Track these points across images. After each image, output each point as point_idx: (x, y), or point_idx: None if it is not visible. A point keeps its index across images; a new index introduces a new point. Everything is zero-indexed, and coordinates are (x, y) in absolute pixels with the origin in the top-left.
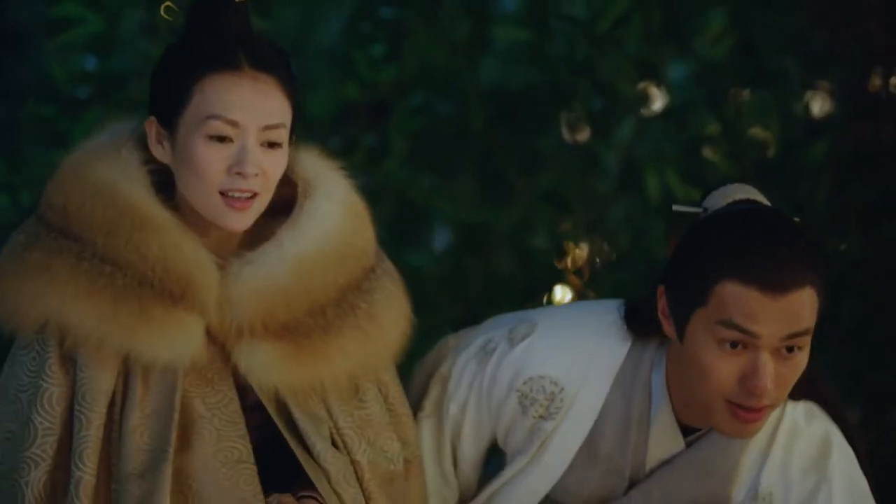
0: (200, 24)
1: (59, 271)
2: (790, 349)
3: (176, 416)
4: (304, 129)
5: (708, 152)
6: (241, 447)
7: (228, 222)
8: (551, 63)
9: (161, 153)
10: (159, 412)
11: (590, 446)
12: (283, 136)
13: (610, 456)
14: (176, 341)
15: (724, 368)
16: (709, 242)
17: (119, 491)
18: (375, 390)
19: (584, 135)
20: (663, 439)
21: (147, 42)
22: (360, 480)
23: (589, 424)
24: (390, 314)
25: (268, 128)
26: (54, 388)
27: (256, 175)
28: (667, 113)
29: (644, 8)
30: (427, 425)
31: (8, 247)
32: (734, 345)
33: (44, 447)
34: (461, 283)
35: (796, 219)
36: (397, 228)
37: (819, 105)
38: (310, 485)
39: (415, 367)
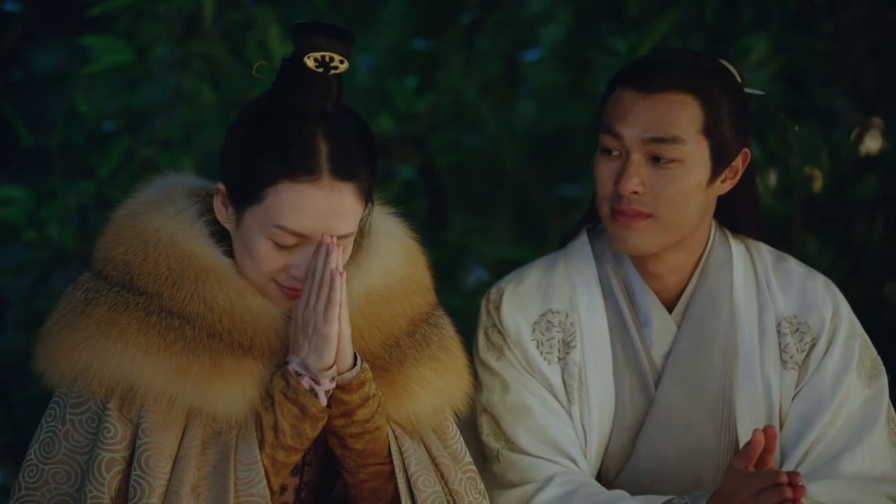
0: (290, 88)
1: (129, 326)
2: (660, 159)
3: (232, 476)
4: None
5: None
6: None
7: (281, 303)
8: (592, 98)
9: (223, 217)
10: (217, 472)
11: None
12: (349, 242)
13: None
14: (246, 393)
15: (603, 173)
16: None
17: None
18: (454, 428)
19: None
20: (655, 318)
21: (177, 75)
22: None
23: (606, 342)
24: (460, 349)
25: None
26: (105, 455)
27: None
28: None
29: (684, 36)
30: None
31: (65, 304)
32: (609, 151)
33: None
34: None
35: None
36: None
37: (870, 141)
38: None
39: None
